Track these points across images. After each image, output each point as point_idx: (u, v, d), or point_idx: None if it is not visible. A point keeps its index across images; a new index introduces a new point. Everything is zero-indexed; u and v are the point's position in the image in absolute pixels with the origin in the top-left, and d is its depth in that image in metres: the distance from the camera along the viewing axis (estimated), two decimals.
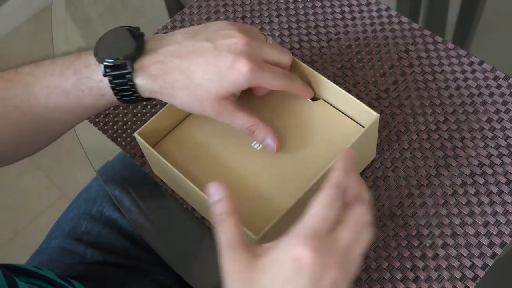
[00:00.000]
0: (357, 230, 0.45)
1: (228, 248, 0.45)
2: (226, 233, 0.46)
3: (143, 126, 0.62)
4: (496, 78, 0.71)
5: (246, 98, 0.62)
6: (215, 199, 0.48)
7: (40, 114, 0.58)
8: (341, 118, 0.64)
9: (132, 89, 0.56)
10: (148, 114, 0.74)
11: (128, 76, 0.55)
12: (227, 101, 0.57)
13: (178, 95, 0.56)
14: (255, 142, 0.62)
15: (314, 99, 0.65)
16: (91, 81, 0.56)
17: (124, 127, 0.74)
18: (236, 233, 0.46)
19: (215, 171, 0.62)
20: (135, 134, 0.61)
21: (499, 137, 0.67)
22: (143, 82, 0.55)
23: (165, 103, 0.62)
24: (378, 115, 0.59)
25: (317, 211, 0.44)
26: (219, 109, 0.57)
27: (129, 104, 0.60)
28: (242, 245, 0.45)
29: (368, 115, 0.60)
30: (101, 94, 0.56)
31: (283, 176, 0.61)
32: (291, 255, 0.42)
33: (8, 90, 0.57)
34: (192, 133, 0.65)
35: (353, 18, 0.79)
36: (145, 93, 0.57)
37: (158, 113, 0.63)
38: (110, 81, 0.55)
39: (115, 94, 0.56)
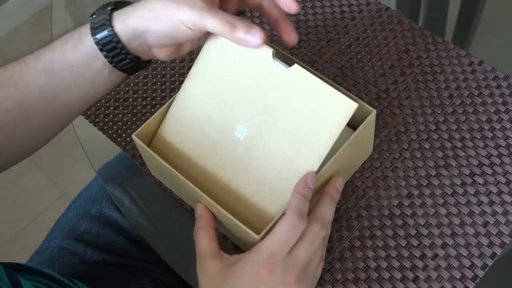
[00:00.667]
0: (313, 246, 0.54)
1: (201, 258, 0.54)
2: (201, 245, 0.55)
3: (140, 128, 0.62)
4: (496, 78, 0.71)
5: None
6: (196, 217, 0.57)
7: (34, 85, 0.56)
8: (320, 87, 0.56)
9: (118, 44, 0.54)
10: (148, 114, 0.74)
11: (109, 30, 0.54)
12: None
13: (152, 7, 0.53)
14: (238, 131, 0.58)
15: (290, 63, 0.57)
16: (84, 46, 0.55)
17: (124, 127, 0.74)
18: (209, 244, 0.54)
19: (207, 170, 0.61)
20: (133, 136, 0.61)
21: (499, 137, 0.67)
22: (121, 26, 0.54)
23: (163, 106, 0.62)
24: (375, 110, 0.60)
25: (279, 237, 0.52)
26: (196, 3, 0.52)
27: (127, 73, 0.58)
28: (214, 255, 0.54)
29: (365, 111, 0.60)
30: (95, 61, 0.55)
31: (273, 166, 0.57)
32: (253, 271, 0.51)
33: (5, 68, 0.57)
34: (175, 132, 0.63)
35: (353, 18, 0.79)
36: (124, 36, 0.54)
37: (155, 114, 0.63)
38: (97, 42, 0.54)
39: (106, 57, 0.55)
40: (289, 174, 0.56)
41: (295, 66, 0.56)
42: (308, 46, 0.77)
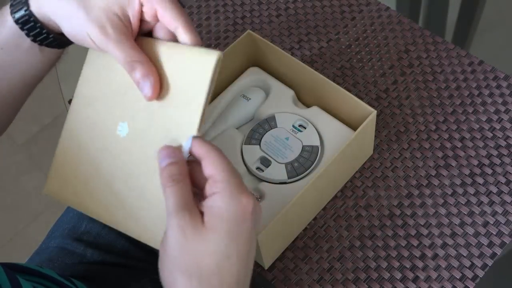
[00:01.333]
0: None
1: (177, 211, 0.45)
2: (177, 196, 0.46)
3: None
4: (496, 78, 0.71)
5: None
6: (168, 162, 0.47)
7: None
8: (176, 52, 0.52)
9: (37, 23, 0.52)
10: None
11: (26, 9, 0.52)
12: (120, 22, 0.51)
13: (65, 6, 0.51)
14: (119, 129, 0.55)
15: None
16: (8, 26, 0.53)
17: None
18: (187, 195, 0.46)
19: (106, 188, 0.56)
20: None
21: (499, 137, 0.67)
22: (36, 7, 0.51)
23: None
24: (375, 111, 0.60)
25: (228, 166, 0.46)
26: (107, 26, 0.50)
27: (60, 47, 0.57)
28: (191, 208, 0.45)
29: (366, 112, 0.60)
30: (21, 41, 0.53)
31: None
32: (239, 206, 0.44)
33: None
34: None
35: (353, 18, 0.79)
36: (40, 17, 0.52)
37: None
38: (16, 21, 0.52)
39: (28, 36, 0.53)
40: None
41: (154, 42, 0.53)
42: (308, 46, 0.77)
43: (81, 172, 0.57)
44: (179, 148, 0.48)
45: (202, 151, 0.47)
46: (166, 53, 0.52)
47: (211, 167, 0.46)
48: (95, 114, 0.57)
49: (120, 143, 0.56)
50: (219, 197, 0.45)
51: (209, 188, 0.46)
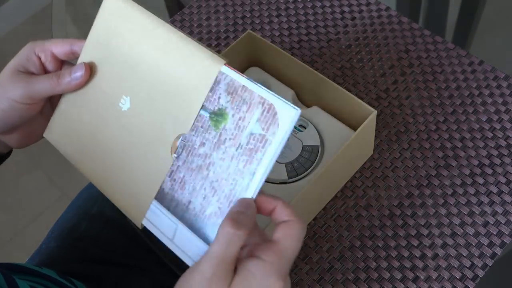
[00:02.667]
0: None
1: (220, 261, 0.43)
2: (230, 244, 0.44)
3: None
4: (496, 78, 0.71)
5: None
6: (240, 209, 0.46)
7: None
8: (188, 49, 0.54)
9: None
10: None
11: None
12: (22, 73, 0.57)
13: None
14: (122, 102, 0.57)
15: None
16: None
17: None
18: (237, 250, 0.44)
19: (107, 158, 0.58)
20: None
21: (499, 137, 0.67)
22: None
23: None
24: (376, 111, 0.60)
25: (291, 244, 0.44)
26: (17, 80, 0.56)
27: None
28: (231, 264, 0.44)
29: (366, 112, 0.60)
30: None
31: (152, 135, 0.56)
32: (266, 285, 0.43)
33: None
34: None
35: (353, 18, 0.79)
36: None
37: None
38: None
39: None
40: (160, 140, 0.54)
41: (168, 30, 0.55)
42: (308, 46, 0.77)
43: (81, 130, 0.59)
44: (254, 205, 0.46)
45: (289, 218, 0.45)
46: (179, 44, 0.54)
47: (281, 235, 0.44)
48: (102, 78, 0.59)
49: (120, 116, 0.57)
50: (261, 267, 0.43)
51: (259, 249, 0.44)
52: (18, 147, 0.60)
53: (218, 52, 0.76)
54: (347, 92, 0.62)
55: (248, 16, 0.81)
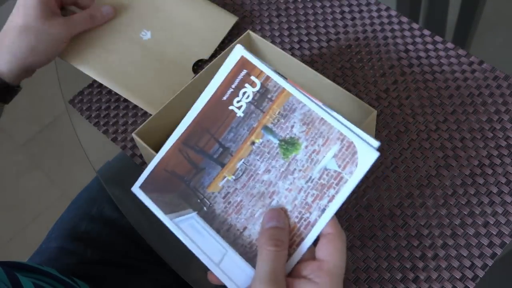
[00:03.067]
0: None
1: (269, 280, 0.42)
2: (275, 262, 0.43)
3: (140, 126, 0.62)
4: (496, 78, 0.71)
5: None
6: (274, 225, 0.45)
7: None
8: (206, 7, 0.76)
9: None
10: (148, 114, 0.74)
11: None
12: (55, 15, 0.67)
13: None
14: (142, 33, 0.74)
15: None
16: None
17: (124, 127, 0.74)
18: (282, 265, 0.44)
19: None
20: (133, 134, 0.61)
21: (499, 137, 0.67)
22: None
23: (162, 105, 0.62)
24: (376, 111, 0.60)
25: (341, 263, 0.43)
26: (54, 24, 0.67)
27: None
28: (281, 282, 0.43)
29: (366, 112, 0.60)
30: None
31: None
32: None
33: None
34: None
35: (353, 18, 0.79)
36: None
37: (156, 112, 0.63)
38: None
39: None
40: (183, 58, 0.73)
41: None
42: (308, 46, 0.77)
43: (100, 41, 0.73)
44: (286, 214, 0.46)
45: (331, 230, 0.45)
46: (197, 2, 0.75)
47: (327, 253, 0.44)
48: (122, 14, 0.75)
49: (141, 43, 0.73)
50: None
51: (309, 269, 0.43)
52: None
53: (218, 51, 0.76)
54: (347, 92, 0.62)
55: (248, 16, 0.81)
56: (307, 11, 0.80)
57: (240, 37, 0.67)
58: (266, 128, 0.48)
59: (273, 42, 0.77)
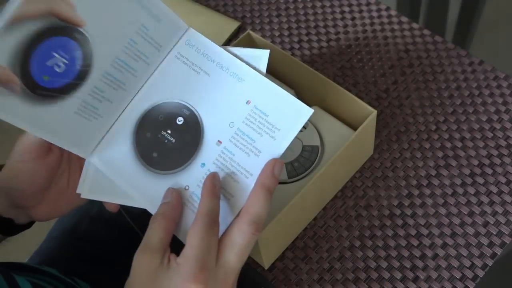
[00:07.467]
0: (246, 253, 0.46)
1: (144, 247, 0.47)
2: (151, 233, 0.47)
3: None
4: (496, 78, 0.71)
5: None
6: (164, 201, 0.50)
7: None
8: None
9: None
10: None
11: None
12: None
13: None
14: None
15: None
16: None
17: None
18: (160, 237, 0.47)
19: None
20: None
21: (499, 137, 0.67)
22: None
23: None
24: (376, 111, 0.60)
25: (197, 242, 0.45)
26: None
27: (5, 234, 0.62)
28: (158, 249, 0.46)
29: (366, 112, 0.60)
30: None
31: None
32: (181, 286, 0.44)
33: None
34: None
35: (353, 18, 0.79)
36: None
37: None
38: None
39: None
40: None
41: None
42: (308, 46, 0.77)
43: None
44: (177, 191, 0.50)
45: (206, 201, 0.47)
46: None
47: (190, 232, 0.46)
48: None
49: None
50: (176, 270, 0.45)
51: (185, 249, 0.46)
52: (44, 219, 0.61)
53: None
54: (347, 92, 0.62)
55: (248, 16, 0.81)
56: (307, 11, 0.80)
57: (240, 37, 0.67)
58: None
59: (273, 42, 0.77)
